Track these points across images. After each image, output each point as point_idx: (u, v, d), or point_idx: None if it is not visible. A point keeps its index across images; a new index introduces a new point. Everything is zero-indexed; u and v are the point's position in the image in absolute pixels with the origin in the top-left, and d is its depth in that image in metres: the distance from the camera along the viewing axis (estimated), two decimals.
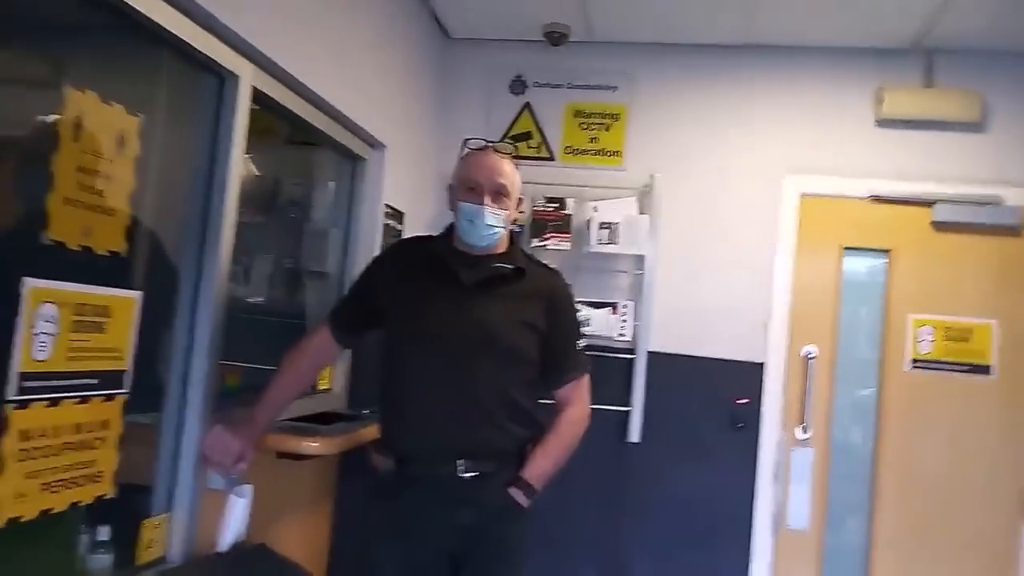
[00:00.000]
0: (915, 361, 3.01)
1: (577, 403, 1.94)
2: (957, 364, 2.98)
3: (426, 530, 1.78)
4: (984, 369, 2.96)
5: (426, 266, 1.88)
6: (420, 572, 1.79)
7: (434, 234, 2.00)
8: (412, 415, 1.81)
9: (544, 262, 2.00)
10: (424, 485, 1.79)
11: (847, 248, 3.11)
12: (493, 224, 1.81)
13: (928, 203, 3.02)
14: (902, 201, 3.04)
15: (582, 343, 1.97)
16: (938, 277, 3.03)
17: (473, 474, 1.76)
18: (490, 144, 1.90)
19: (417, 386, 1.81)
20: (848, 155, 3.11)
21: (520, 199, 1.94)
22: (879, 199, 3.06)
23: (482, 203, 1.80)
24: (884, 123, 3.09)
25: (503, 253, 1.89)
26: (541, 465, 1.84)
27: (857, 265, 3.13)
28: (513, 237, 1.96)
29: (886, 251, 3.08)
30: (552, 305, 1.89)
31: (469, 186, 1.83)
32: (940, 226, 3.01)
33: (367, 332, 2.03)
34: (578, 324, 1.99)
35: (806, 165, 3.13)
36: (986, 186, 2.99)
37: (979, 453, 2.94)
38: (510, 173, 1.86)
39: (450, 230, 1.93)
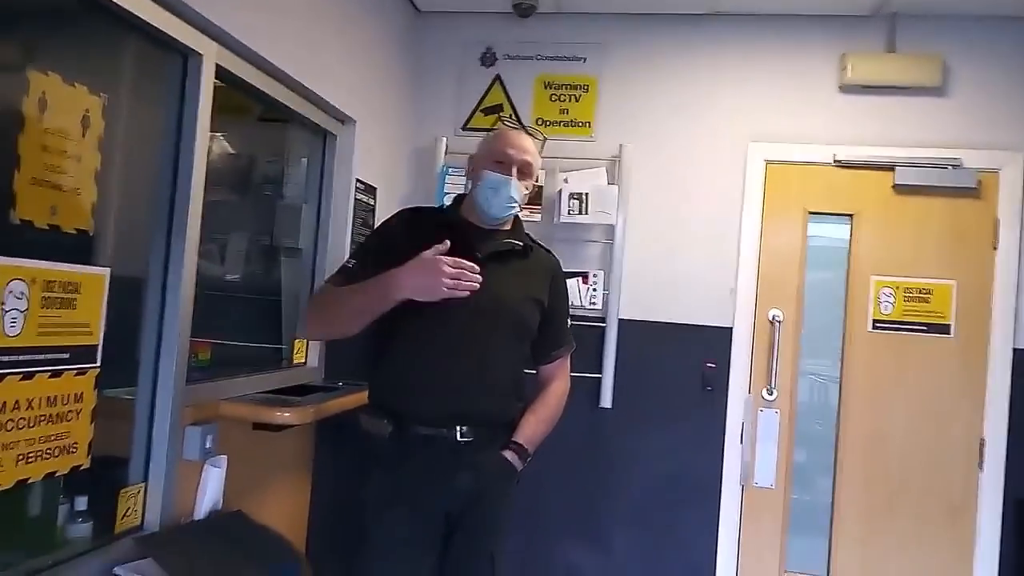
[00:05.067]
0: (876, 322, 3.09)
1: (562, 377, 2.07)
2: (917, 324, 3.06)
3: (427, 492, 1.83)
4: (943, 328, 3.05)
5: (438, 235, 1.83)
6: (419, 534, 1.83)
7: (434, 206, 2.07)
8: (420, 380, 1.84)
9: (540, 243, 2.09)
10: (424, 448, 1.82)
11: (812, 213, 3.17)
12: (515, 197, 1.89)
13: (890, 167, 3.08)
14: (864, 166, 3.11)
15: (570, 321, 2.09)
16: (900, 239, 3.10)
17: (469, 439, 1.82)
18: (523, 126, 2.02)
19: (427, 352, 1.85)
20: (812, 121, 3.16)
21: (536, 181, 2.03)
22: (842, 164, 3.12)
23: (510, 175, 1.87)
24: (847, 89, 3.14)
25: (510, 230, 1.98)
26: (533, 430, 1.93)
27: (822, 230, 3.20)
28: (517, 218, 2.03)
29: (849, 215, 3.15)
30: (553, 283, 2.01)
31: (498, 159, 1.90)
32: (901, 189, 3.08)
33: None
34: (569, 303, 2.10)
35: (771, 132, 3.18)
36: (946, 149, 3.06)
37: (937, 409, 3.04)
38: (535, 155, 1.95)
39: (457, 203, 1.99)
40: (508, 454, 1.88)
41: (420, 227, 1.94)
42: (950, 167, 3.03)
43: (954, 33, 3.08)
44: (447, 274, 1.69)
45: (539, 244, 2.07)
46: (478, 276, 1.72)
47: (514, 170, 1.88)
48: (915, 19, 3.09)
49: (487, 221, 1.92)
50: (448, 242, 1.73)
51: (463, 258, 1.81)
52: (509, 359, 1.91)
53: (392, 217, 2.04)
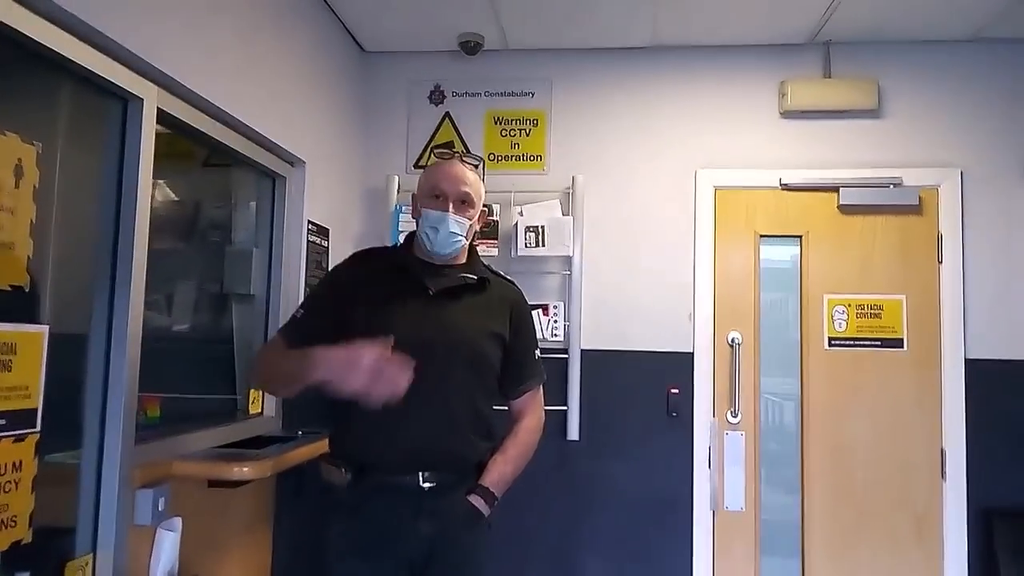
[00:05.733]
0: (832, 339, 3.14)
1: (534, 411, 1.97)
2: (871, 340, 3.12)
3: (388, 542, 1.75)
4: (897, 343, 3.11)
5: (389, 275, 1.85)
6: None
7: (388, 245, 2.00)
8: (377, 425, 1.75)
9: (501, 272, 2.03)
10: (385, 495, 1.76)
11: (762, 236, 3.23)
12: (457, 232, 1.83)
13: (834, 188, 3.16)
14: (810, 188, 3.18)
15: (539, 353, 2.00)
16: (848, 258, 3.17)
17: (431, 485, 1.75)
18: (457, 154, 1.92)
19: None
20: (757, 147, 3.24)
21: (485, 209, 1.97)
22: (788, 187, 3.19)
23: (447, 210, 1.81)
24: (788, 115, 3.23)
25: (464, 263, 1.92)
26: (501, 472, 1.85)
27: (773, 252, 3.25)
28: (473, 248, 1.98)
29: (799, 236, 3.21)
30: (514, 315, 1.93)
31: (435, 194, 1.85)
32: (846, 209, 3.16)
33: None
34: (535, 334, 2.02)
35: (718, 159, 3.25)
36: (886, 169, 3.15)
37: (897, 423, 3.08)
38: (475, 183, 1.88)
39: (409, 240, 1.94)
40: (474, 499, 1.80)
41: (372, 269, 1.90)
42: (891, 186, 3.12)
43: (887, 57, 3.20)
44: (363, 369, 1.53)
45: (500, 275, 2.01)
46: (407, 376, 1.55)
47: (451, 204, 1.82)
48: (849, 46, 3.20)
49: (436, 258, 1.87)
50: (391, 343, 1.57)
51: (415, 295, 1.80)
52: (471, 398, 1.83)
53: (344, 261, 1.99)
